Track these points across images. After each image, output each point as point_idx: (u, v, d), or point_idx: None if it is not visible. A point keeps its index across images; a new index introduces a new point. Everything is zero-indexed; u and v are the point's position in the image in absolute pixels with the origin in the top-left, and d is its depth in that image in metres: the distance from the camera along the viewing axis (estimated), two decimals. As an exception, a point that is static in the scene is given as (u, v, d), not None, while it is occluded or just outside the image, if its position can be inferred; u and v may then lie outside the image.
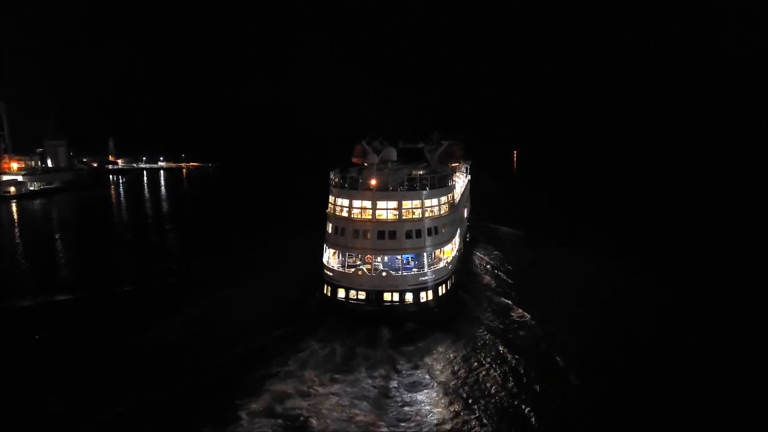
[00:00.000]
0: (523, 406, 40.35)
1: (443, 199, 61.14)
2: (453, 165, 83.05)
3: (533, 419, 38.76)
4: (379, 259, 57.00)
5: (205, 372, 45.18)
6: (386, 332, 51.79)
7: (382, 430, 37.31)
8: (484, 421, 38.32)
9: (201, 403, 40.37)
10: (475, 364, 47.54)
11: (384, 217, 56.59)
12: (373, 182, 58.06)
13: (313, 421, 37.74)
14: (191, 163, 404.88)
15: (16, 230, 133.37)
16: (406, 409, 40.12)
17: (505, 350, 50.06)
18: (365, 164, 65.34)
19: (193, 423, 37.49)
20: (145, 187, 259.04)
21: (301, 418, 38.02)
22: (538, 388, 43.13)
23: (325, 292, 57.28)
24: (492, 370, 46.13)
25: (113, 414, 38.67)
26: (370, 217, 56.51)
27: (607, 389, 43.12)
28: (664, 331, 56.57)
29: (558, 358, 48.18)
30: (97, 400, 40.63)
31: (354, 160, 72.13)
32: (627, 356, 49.77)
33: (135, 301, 68.19)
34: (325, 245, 60.22)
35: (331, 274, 57.13)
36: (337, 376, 44.40)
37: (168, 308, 61.57)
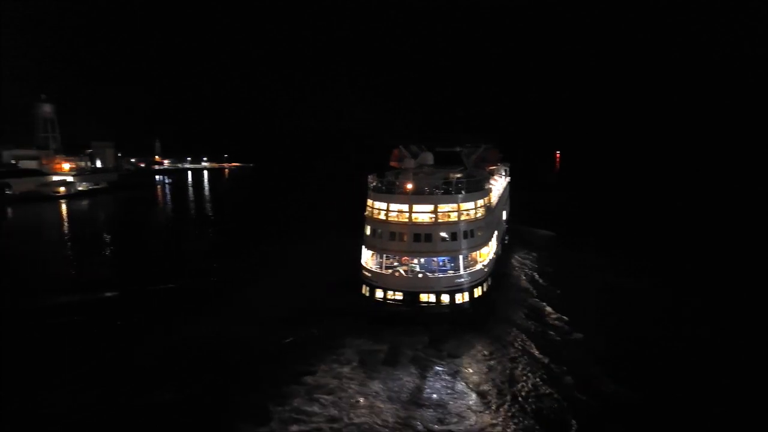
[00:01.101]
0: (553, 409, 41.19)
1: (479, 202, 62.52)
2: (490, 168, 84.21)
3: (563, 422, 39.57)
4: (415, 260, 58.93)
5: (240, 368, 47.52)
6: (421, 332, 53.68)
7: (414, 428, 38.68)
8: (516, 422, 39.35)
9: (236, 398, 42.55)
10: (508, 366, 48.41)
11: (420, 220, 58.63)
12: (410, 186, 60.09)
13: (346, 418, 39.34)
14: (232, 164, 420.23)
15: (64, 229, 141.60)
16: (439, 408, 41.28)
17: (539, 353, 50.88)
18: (402, 168, 67.56)
19: (229, 416, 39.81)
20: (189, 188, 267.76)
21: (335, 414, 39.68)
22: (570, 391, 43.74)
23: (363, 292, 59.62)
24: (525, 373, 47.09)
25: (144, 408, 41.45)
26: (407, 220, 58.58)
27: (643, 397, 43.29)
28: (703, 339, 56.23)
29: (593, 363, 48.76)
30: (136, 393, 43.70)
31: (392, 163, 74.52)
32: (666, 364, 49.91)
33: (172, 299, 71.99)
34: (363, 247, 62.66)
35: (368, 274, 59.49)
36: (371, 373, 46.12)
37: (204, 306, 65.92)
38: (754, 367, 49.12)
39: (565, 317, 60.46)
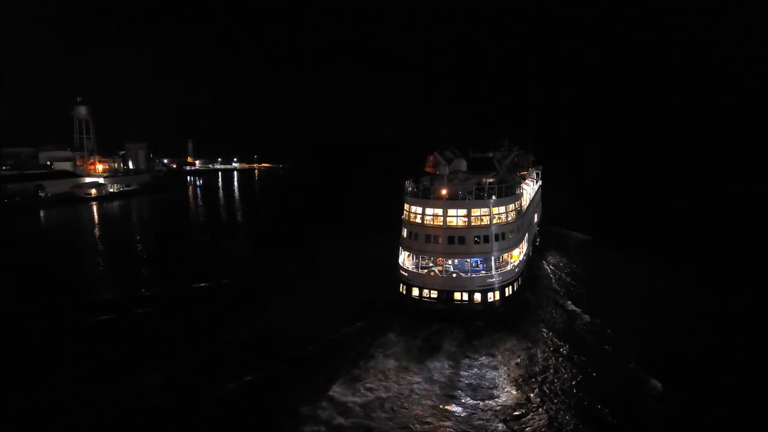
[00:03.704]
0: (579, 402, 45.12)
1: (510, 206, 68.21)
2: (522, 173, 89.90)
3: (587, 415, 43.38)
4: (449, 261, 64.85)
5: (294, 359, 52.66)
6: (456, 328, 59.44)
7: (450, 414, 43.71)
8: (543, 413, 43.62)
9: (294, 384, 47.60)
10: (538, 361, 53.19)
11: (454, 223, 64.55)
12: (444, 191, 66.25)
13: (389, 403, 44.74)
14: (263, 164, 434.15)
15: (92, 232, 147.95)
16: (472, 396, 46.52)
17: (567, 349, 55.72)
18: (437, 173, 73.92)
19: (288, 400, 44.80)
20: (220, 189, 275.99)
21: (378, 399, 45.20)
22: (594, 385, 47.92)
23: (400, 290, 66.01)
24: (554, 368, 51.67)
25: (223, 391, 46.88)
26: (442, 223, 64.75)
27: (666, 393, 46.51)
28: (734, 340, 59.48)
29: (618, 359, 53.10)
30: (208, 380, 49.08)
31: (427, 169, 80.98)
32: (689, 361, 53.23)
33: (214, 299, 77.27)
34: (400, 248, 69.05)
35: (405, 274, 65.85)
36: (410, 365, 51.62)
37: (249, 305, 71.58)
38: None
39: (592, 316, 65.16)
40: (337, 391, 46.34)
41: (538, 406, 44.95)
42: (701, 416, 43.71)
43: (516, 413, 43.99)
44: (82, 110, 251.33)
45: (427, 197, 66.99)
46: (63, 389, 48.12)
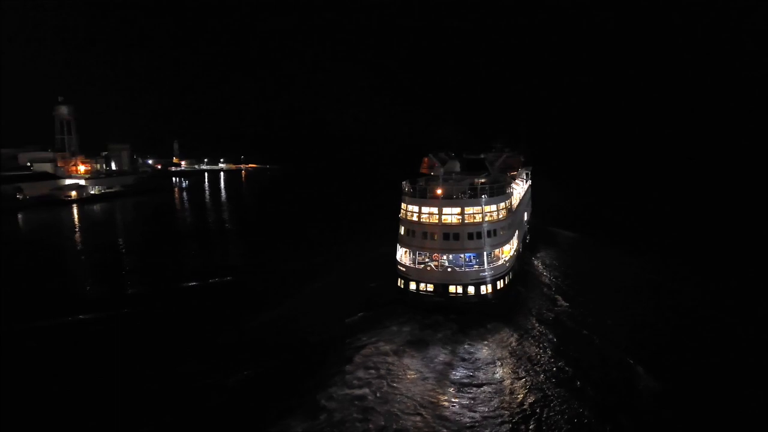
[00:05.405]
0: (567, 391, 48.54)
1: (501, 205, 74.16)
2: (512, 173, 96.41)
3: (574, 404, 46.15)
4: (444, 257, 70.53)
5: (292, 357, 55.84)
6: (451, 319, 64.82)
7: (445, 402, 47.48)
8: (536, 402, 47.02)
9: (293, 380, 50.18)
10: (529, 351, 57.73)
11: (449, 221, 70.50)
12: (439, 191, 72.22)
13: (389, 386, 48.93)
14: (250, 165, 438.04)
15: (77, 235, 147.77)
16: (466, 380, 51.17)
17: (556, 340, 60.32)
18: (432, 174, 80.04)
19: (287, 396, 47.38)
20: (206, 192, 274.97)
21: (381, 382, 49.68)
22: (581, 373, 51.62)
23: (398, 284, 71.78)
24: (544, 358, 55.99)
25: (235, 380, 50.00)
26: (437, 221, 70.64)
27: (647, 385, 49.46)
28: (734, 340, 62.05)
29: (607, 350, 57.32)
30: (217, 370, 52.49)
31: (422, 170, 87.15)
32: (671, 354, 56.90)
33: (213, 298, 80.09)
34: (398, 245, 74.73)
35: (403, 269, 71.59)
36: (408, 353, 56.31)
37: (247, 304, 74.68)
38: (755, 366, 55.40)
39: (580, 308, 70.88)
40: (336, 385, 49.06)
41: (529, 395, 48.37)
42: (701, 415, 45.46)
43: (507, 401, 47.52)
44: (63, 110, 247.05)
45: (423, 197, 72.65)
46: (62, 389, 50.25)
